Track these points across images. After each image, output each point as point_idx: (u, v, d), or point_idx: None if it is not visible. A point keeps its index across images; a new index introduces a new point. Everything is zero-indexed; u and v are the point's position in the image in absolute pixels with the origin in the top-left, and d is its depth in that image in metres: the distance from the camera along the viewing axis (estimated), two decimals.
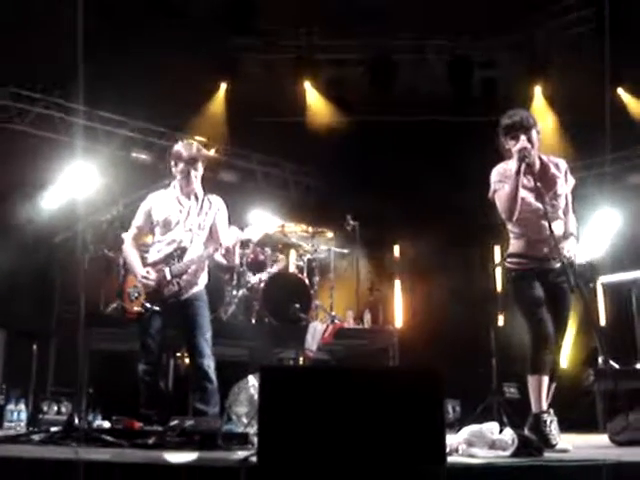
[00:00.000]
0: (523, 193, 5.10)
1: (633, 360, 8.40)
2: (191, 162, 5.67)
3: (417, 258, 9.99)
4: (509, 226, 5.32)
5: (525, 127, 5.14)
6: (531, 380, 5.01)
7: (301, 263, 8.86)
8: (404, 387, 3.26)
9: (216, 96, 11.21)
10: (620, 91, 11.00)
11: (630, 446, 4.86)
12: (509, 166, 5.17)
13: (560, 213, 5.25)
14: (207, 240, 5.77)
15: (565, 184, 5.30)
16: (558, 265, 5.05)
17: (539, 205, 5.05)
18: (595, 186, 10.74)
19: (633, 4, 9.96)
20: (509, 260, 5.30)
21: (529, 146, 5.09)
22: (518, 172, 5.05)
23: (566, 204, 5.30)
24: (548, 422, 4.88)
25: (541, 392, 4.96)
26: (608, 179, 10.39)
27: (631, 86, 10.94)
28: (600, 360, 8.14)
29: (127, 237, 5.88)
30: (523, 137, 5.10)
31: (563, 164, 5.35)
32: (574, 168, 5.72)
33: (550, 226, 4.96)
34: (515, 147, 5.10)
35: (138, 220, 5.82)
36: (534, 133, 5.17)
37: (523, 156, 5.04)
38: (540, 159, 5.25)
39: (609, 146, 8.67)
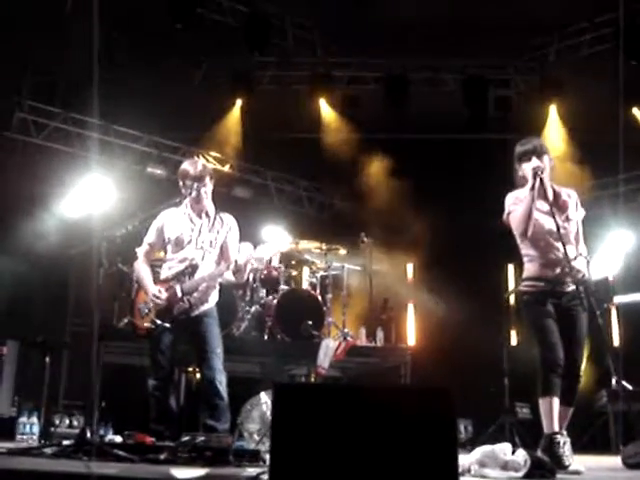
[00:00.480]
0: (537, 215, 5.20)
1: None
2: (197, 179, 5.70)
3: (430, 277, 9.95)
4: (523, 249, 5.38)
5: (538, 152, 5.26)
6: (542, 402, 5.05)
7: (314, 280, 8.86)
8: (416, 406, 3.25)
9: (232, 112, 11.25)
10: (635, 111, 10.99)
11: None
12: (523, 191, 5.26)
13: (572, 237, 5.31)
14: (218, 258, 5.79)
15: (576, 211, 5.38)
16: (572, 287, 5.15)
17: (552, 227, 5.12)
18: (609, 206, 10.71)
19: None
20: (523, 284, 5.36)
21: (542, 165, 5.19)
22: (532, 188, 5.13)
23: (577, 231, 5.38)
24: (561, 443, 4.90)
25: (552, 414, 5.00)
26: (622, 199, 10.36)
27: None
28: (613, 381, 8.10)
29: (139, 253, 5.90)
30: (535, 159, 5.21)
31: (574, 194, 5.45)
32: (589, 187, 5.79)
33: (564, 247, 5.03)
34: (529, 167, 5.19)
35: (150, 237, 5.85)
36: (546, 158, 5.27)
37: (536, 173, 5.14)
38: (552, 187, 5.33)
39: (622, 166, 8.66)
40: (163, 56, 9.64)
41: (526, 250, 5.36)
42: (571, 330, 5.19)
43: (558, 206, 5.26)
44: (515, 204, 5.30)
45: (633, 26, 9.94)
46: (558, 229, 5.06)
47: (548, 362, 5.07)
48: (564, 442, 4.92)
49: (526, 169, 5.26)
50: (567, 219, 5.29)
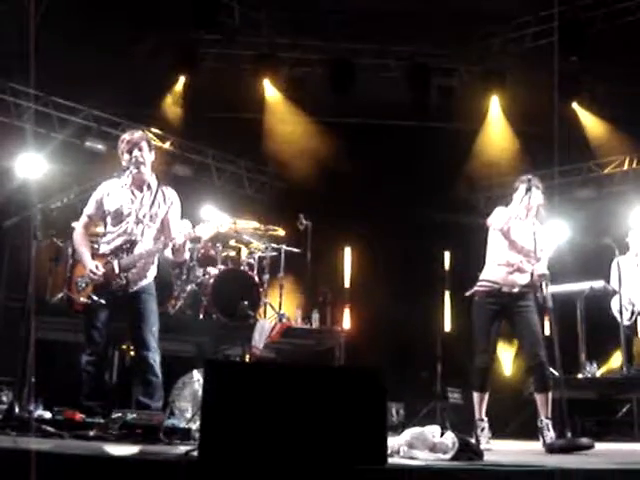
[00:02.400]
0: (513, 229, 6.07)
1: (575, 370, 8.56)
2: (135, 146, 5.63)
3: (368, 261, 10.02)
4: (489, 254, 6.22)
5: (539, 187, 6.16)
6: (477, 395, 6.06)
7: (251, 260, 8.83)
8: (346, 386, 3.29)
9: (174, 89, 11.13)
10: (575, 106, 11.18)
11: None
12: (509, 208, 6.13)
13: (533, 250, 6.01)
14: (158, 233, 5.73)
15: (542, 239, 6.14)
16: (519, 289, 6.00)
17: (522, 242, 6.01)
18: (545, 198, 10.88)
19: (595, 23, 10.16)
20: (478, 283, 6.17)
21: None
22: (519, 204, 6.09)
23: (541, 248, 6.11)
24: (480, 428, 5.96)
25: (475, 404, 6.07)
26: (557, 191, 10.55)
27: (587, 102, 11.14)
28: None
29: (78, 226, 5.81)
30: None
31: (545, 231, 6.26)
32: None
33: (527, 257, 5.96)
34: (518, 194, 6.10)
35: (89, 209, 5.76)
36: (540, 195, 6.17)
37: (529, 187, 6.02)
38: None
39: (557, 158, 8.83)
40: (107, 28, 9.46)
41: (492, 253, 6.18)
42: (522, 326, 5.96)
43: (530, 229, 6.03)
44: (500, 215, 6.09)
45: (575, 21, 10.11)
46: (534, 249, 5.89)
47: (475, 362, 6.04)
48: (482, 427, 5.95)
49: (516, 195, 6.13)
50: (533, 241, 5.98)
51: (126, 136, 5.73)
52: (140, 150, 5.65)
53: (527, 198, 6.01)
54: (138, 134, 5.76)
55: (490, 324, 6.01)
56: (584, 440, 5.19)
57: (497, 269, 6.10)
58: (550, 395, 5.86)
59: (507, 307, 6.01)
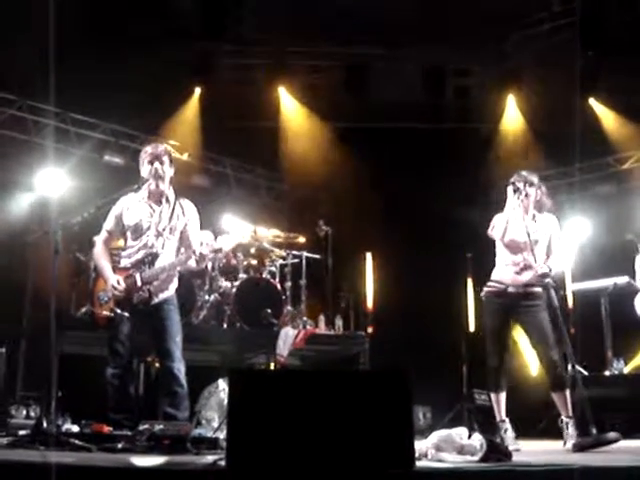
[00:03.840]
0: (512, 226, 6.01)
1: (602, 367, 8.49)
2: (156, 159, 5.66)
3: (390, 265, 9.98)
4: (497, 254, 6.22)
5: (529, 182, 6.08)
6: (493, 396, 6.10)
7: (273, 268, 8.84)
8: (372, 391, 3.28)
9: (191, 100, 11.18)
10: (592, 102, 11.11)
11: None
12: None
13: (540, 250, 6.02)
14: (179, 245, 5.75)
15: (548, 230, 6.14)
16: (530, 289, 5.96)
17: (524, 239, 5.91)
18: (566, 195, 10.85)
19: (610, 16, 10.09)
20: (487, 284, 6.19)
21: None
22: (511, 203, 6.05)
23: (549, 245, 6.10)
24: (503, 430, 5.96)
25: (494, 405, 6.09)
26: (578, 188, 10.50)
27: (604, 97, 11.06)
28: (569, 368, 8.21)
29: (98, 241, 5.85)
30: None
31: (554, 219, 6.20)
32: (546, 177, 6.08)
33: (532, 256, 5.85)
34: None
35: (109, 224, 5.80)
36: (532, 189, 6.09)
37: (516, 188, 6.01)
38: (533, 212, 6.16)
39: (578, 155, 8.79)
40: (121, 44, 9.53)
41: (499, 255, 6.18)
42: (530, 326, 5.96)
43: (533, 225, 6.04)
44: (497, 223, 6.12)
45: (591, 17, 10.05)
46: (529, 242, 5.84)
47: (488, 363, 6.09)
48: (505, 429, 5.96)
49: (508, 192, 6.09)
50: (537, 235, 5.99)
51: (149, 148, 5.76)
52: (161, 164, 5.68)
53: (516, 198, 6.00)
54: (162, 147, 5.80)
55: (499, 324, 6.05)
56: (610, 435, 5.17)
57: (504, 269, 6.13)
58: (568, 393, 5.82)
59: (515, 307, 6.02)
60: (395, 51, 11.29)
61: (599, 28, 10.00)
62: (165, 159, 5.71)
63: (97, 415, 5.62)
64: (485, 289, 6.21)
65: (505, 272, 6.10)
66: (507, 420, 6.01)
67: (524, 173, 6.17)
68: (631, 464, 3.69)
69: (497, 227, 6.11)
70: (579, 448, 5.15)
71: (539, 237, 6.01)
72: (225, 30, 10.43)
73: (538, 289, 5.95)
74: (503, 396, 6.04)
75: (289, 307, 8.70)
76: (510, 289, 6.03)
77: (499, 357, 6.02)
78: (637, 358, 8.85)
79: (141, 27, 9.70)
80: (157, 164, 5.65)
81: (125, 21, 9.51)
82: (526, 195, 6.05)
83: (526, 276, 5.99)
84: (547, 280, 5.88)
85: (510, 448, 5.57)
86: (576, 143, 7.84)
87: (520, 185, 6.03)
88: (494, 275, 6.20)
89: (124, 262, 5.73)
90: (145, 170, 5.69)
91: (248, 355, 8.61)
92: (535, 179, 6.14)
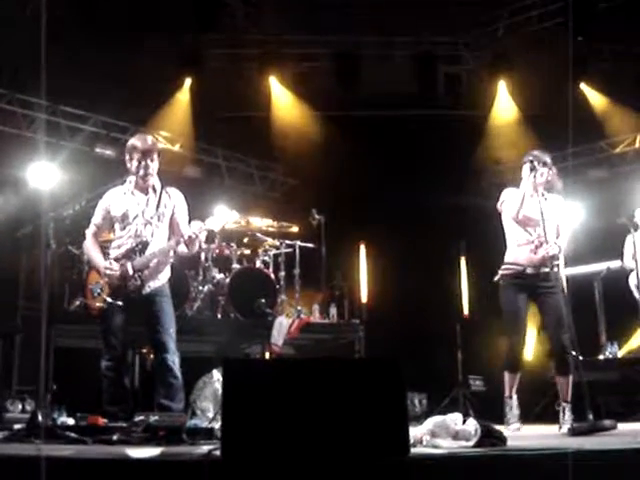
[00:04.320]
0: (525, 204, 5.99)
1: (596, 351, 8.53)
2: (146, 154, 5.63)
3: (383, 253, 10.00)
4: (507, 235, 6.23)
5: (542, 162, 6.08)
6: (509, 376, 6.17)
7: (267, 258, 8.84)
8: (366, 378, 3.29)
9: (181, 91, 11.12)
10: (583, 86, 11.11)
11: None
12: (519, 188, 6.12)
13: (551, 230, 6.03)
14: (168, 233, 5.75)
15: (557, 211, 6.19)
16: (545, 269, 5.94)
17: (536, 217, 5.89)
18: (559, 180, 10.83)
19: (600, 2, 10.09)
20: (502, 267, 6.20)
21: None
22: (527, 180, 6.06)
23: (557, 226, 6.16)
24: (509, 407, 6.12)
25: (505, 383, 6.17)
26: (571, 172, 10.49)
27: (595, 81, 11.06)
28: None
29: (87, 234, 5.83)
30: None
31: (560, 199, 6.27)
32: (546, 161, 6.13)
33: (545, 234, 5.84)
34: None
35: (96, 218, 5.79)
36: (544, 169, 6.09)
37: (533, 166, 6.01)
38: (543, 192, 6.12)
39: (571, 140, 8.78)
40: (109, 32, 9.49)
41: (510, 235, 6.19)
42: (546, 308, 6.03)
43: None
44: (510, 198, 6.13)
45: (581, 1, 10.04)
46: (542, 219, 5.80)
47: (509, 344, 6.12)
48: (511, 406, 6.10)
49: (523, 174, 6.11)
50: (548, 214, 5.95)
51: (137, 143, 5.67)
52: (151, 160, 5.65)
53: (532, 177, 6.02)
54: (150, 142, 5.73)
55: (519, 306, 6.06)
56: (606, 422, 5.20)
57: (519, 250, 6.13)
58: (570, 379, 5.90)
59: (533, 288, 6.05)
60: (385, 38, 11.27)
61: (589, 13, 9.99)
62: (154, 154, 5.68)
63: (92, 408, 5.62)
64: (501, 272, 6.20)
65: (520, 252, 6.11)
66: (515, 397, 6.13)
67: (537, 152, 6.19)
68: (624, 447, 3.70)
69: (509, 202, 6.14)
70: (574, 433, 5.17)
71: (549, 216, 6.01)
72: (214, 20, 10.39)
73: (554, 270, 5.96)
74: (518, 376, 6.14)
75: (283, 296, 8.71)
76: (528, 270, 6.05)
77: (521, 338, 6.08)
78: (630, 342, 8.89)
79: (132, 18, 9.66)
80: (146, 161, 5.63)
81: (112, 11, 9.47)
82: (540, 174, 6.07)
83: (541, 253, 5.97)
84: (557, 262, 5.97)
85: (512, 426, 5.95)
86: (568, 128, 7.82)
87: (535, 163, 6.04)
88: (508, 257, 6.20)
89: (114, 253, 5.71)
90: (133, 165, 5.66)
91: (243, 345, 8.63)
92: (548, 159, 6.15)
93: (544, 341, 7.61)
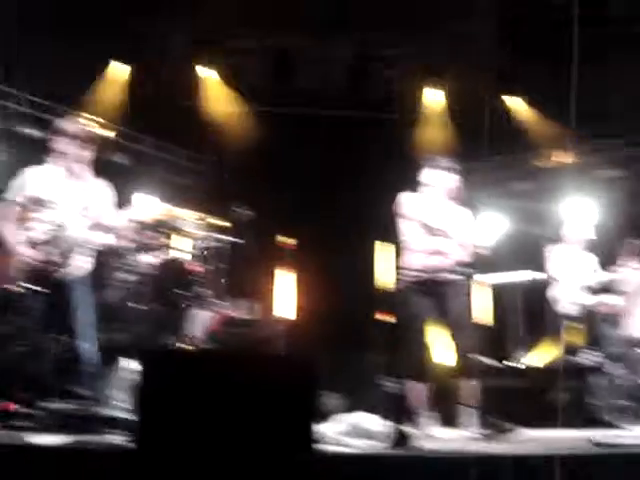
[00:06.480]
0: (429, 213, 6.03)
1: (509, 358, 8.72)
2: (74, 139, 5.53)
3: (307, 251, 10.03)
4: (406, 241, 6.12)
5: (447, 168, 6.14)
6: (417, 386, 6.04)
7: (193, 250, 8.77)
8: (278, 375, 3.30)
9: (112, 77, 10.96)
10: (511, 99, 11.30)
11: None
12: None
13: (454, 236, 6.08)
14: (92, 222, 5.65)
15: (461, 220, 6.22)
16: (449, 275, 5.99)
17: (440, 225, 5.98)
18: (480, 189, 11.02)
19: (531, 13, 10.31)
20: (403, 272, 6.14)
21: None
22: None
23: (461, 234, 6.13)
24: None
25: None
26: (493, 184, 10.69)
27: (523, 96, 11.28)
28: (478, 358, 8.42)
29: (2, 213, 5.65)
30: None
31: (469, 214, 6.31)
32: (462, 170, 6.17)
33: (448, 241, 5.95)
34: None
35: (12, 195, 5.60)
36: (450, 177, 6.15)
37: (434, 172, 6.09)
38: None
39: (494, 151, 8.97)
40: (44, 19, 9.31)
41: (411, 240, 6.07)
42: (446, 313, 5.99)
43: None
44: (409, 202, 6.09)
45: (511, 17, 10.26)
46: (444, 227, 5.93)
47: (413, 352, 6.04)
48: (423, 416, 5.95)
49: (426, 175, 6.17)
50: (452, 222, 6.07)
51: (67, 127, 5.58)
52: (81, 147, 5.54)
53: (434, 182, 6.08)
54: (79, 127, 5.63)
55: (419, 312, 6.01)
56: (506, 425, 5.34)
57: (417, 256, 6.06)
58: (474, 383, 5.93)
59: (433, 293, 6.00)
60: (322, 37, 11.30)
61: (518, 30, 10.22)
62: (85, 140, 5.57)
63: (4, 394, 5.50)
64: (401, 278, 6.16)
65: (418, 258, 6.04)
66: (425, 407, 6.04)
67: (442, 158, 6.22)
68: (530, 453, 3.81)
69: (408, 205, 6.07)
70: (480, 437, 5.29)
71: (453, 224, 6.04)
72: (151, 7, 10.25)
73: (456, 276, 6.00)
74: (426, 386, 6.04)
75: (206, 290, 8.66)
76: (426, 276, 6.00)
77: (424, 346, 6.00)
78: (541, 350, 9.11)
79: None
80: (75, 147, 5.52)
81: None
82: (443, 181, 6.10)
83: (441, 261, 5.99)
84: (461, 268, 5.99)
85: (425, 434, 5.71)
86: (493, 139, 7.99)
87: (438, 170, 6.08)
88: (407, 262, 6.12)
89: (34, 236, 5.55)
90: (59, 149, 5.54)
91: (162, 337, 8.55)
92: (454, 166, 6.18)
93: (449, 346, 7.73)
